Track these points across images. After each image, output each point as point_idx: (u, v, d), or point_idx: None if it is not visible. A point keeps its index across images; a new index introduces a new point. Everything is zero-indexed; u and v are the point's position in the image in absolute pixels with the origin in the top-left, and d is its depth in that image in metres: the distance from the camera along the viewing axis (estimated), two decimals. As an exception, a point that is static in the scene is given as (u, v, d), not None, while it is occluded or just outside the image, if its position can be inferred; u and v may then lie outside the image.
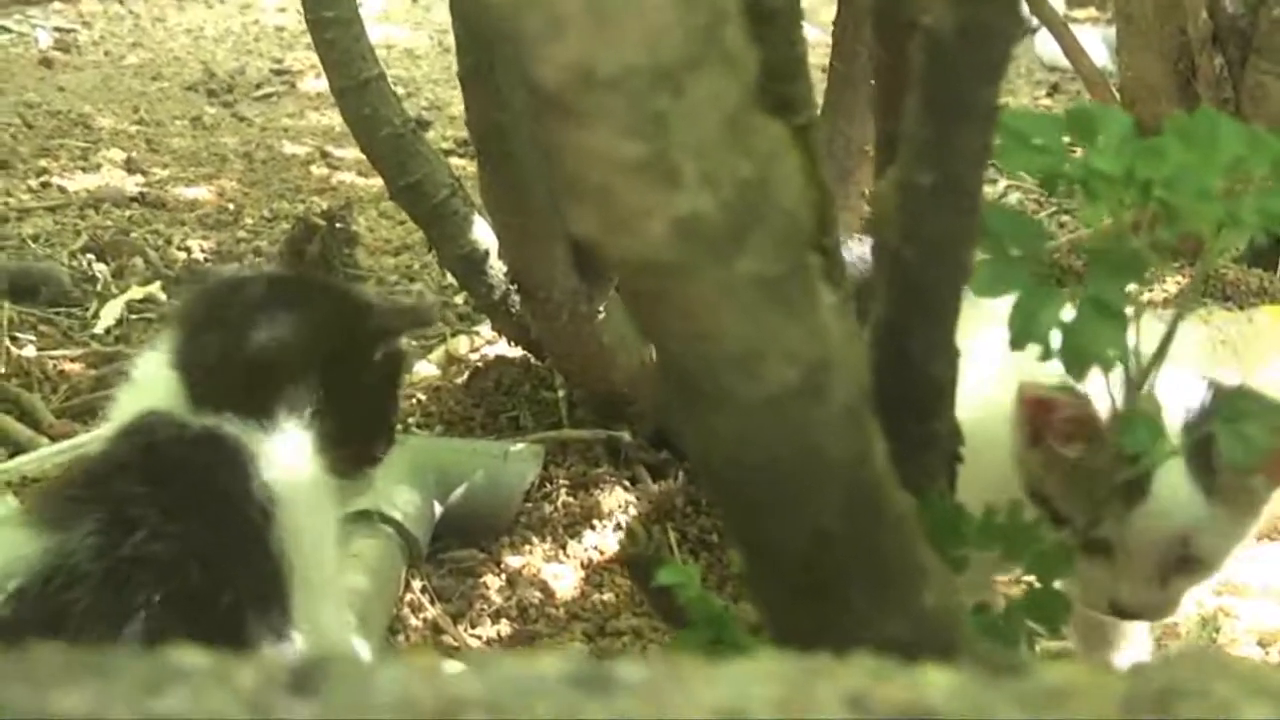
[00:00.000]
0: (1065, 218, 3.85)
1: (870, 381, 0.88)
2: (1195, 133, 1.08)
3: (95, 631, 1.45)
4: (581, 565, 2.40)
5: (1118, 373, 1.09)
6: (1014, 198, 4.04)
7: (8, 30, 5.85)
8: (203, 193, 4.09)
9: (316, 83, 5.05)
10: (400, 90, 3.98)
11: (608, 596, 2.33)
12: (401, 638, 2.21)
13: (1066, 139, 1.11)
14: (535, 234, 2.40)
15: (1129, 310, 1.06)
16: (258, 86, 5.33)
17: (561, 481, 2.55)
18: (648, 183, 0.70)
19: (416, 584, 2.30)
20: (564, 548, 2.43)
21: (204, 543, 1.52)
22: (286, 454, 1.61)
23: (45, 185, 4.08)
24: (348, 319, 1.69)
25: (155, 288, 3.37)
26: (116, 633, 1.45)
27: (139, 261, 3.53)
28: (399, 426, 1.91)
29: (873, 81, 1.26)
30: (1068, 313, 1.05)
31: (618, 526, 2.46)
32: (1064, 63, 4.22)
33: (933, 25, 0.90)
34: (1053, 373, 1.16)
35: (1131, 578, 1.70)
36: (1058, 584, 1.23)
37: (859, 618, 0.96)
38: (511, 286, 2.52)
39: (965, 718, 0.58)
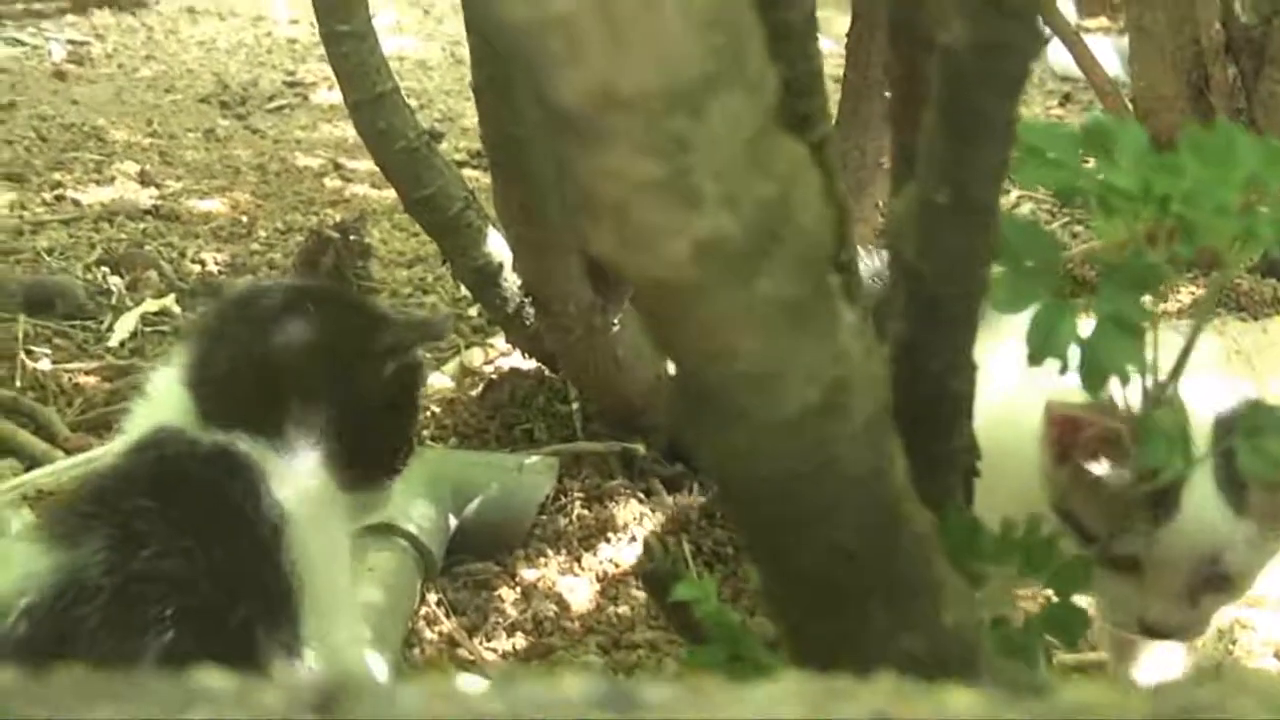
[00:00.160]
0: (1078, 228, 3.84)
1: (890, 399, 0.88)
2: (1211, 147, 1.07)
3: (106, 647, 1.45)
4: (597, 578, 2.40)
5: (1140, 387, 1.09)
6: (1027, 208, 4.04)
7: (21, 43, 5.87)
8: (216, 205, 4.10)
9: (329, 95, 5.06)
10: (413, 102, 3.99)
11: (623, 610, 2.32)
12: (417, 651, 2.21)
13: (1082, 152, 1.11)
14: (550, 246, 2.40)
15: (1145, 324, 1.06)
16: (271, 99, 5.34)
17: (576, 494, 2.55)
18: (667, 203, 0.70)
19: (432, 597, 2.30)
20: (579, 561, 2.43)
21: (214, 559, 1.52)
22: (297, 471, 1.61)
23: (59, 198, 4.09)
24: (358, 335, 1.68)
25: (169, 300, 3.38)
26: (127, 649, 1.45)
27: (153, 274, 3.53)
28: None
29: (887, 94, 1.26)
30: (1085, 325, 1.05)
31: (633, 539, 2.46)
32: (1076, 73, 4.22)
33: (950, 42, 0.90)
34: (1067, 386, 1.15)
35: (1160, 596, 1.68)
36: (1080, 600, 1.22)
37: (877, 634, 0.96)
38: (526, 299, 2.53)
39: (988, 739, 0.58)
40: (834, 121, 1.78)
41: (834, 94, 2.35)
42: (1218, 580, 1.68)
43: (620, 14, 0.65)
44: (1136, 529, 1.61)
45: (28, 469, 2.60)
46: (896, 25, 1.20)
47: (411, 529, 2.27)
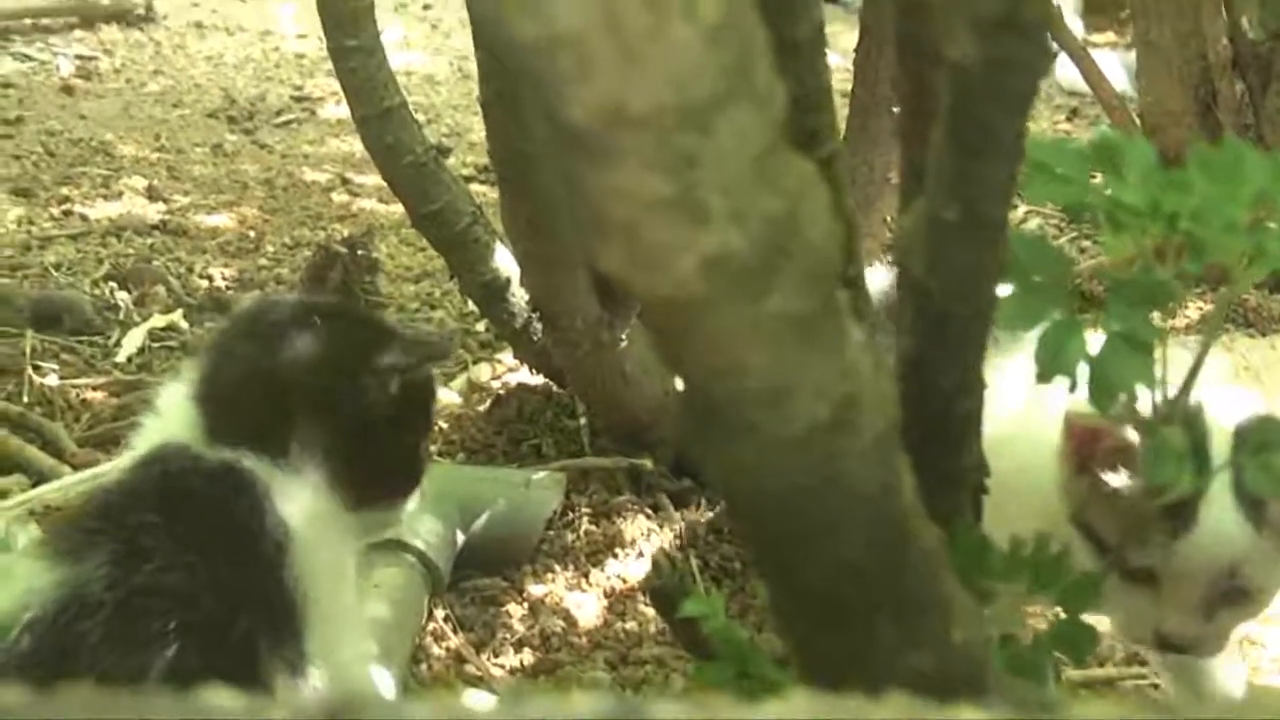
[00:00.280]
0: (1087, 243, 3.84)
1: (899, 415, 0.88)
2: (1219, 163, 1.07)
3: (109, 662, 1.45)
4: (604, 594, 2.40)
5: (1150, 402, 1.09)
6: (1034, 223, 4.03)
7: (29, 58, 5.87)
8: (224, 220, 4.10)
9: (337, 109, 5.06)
10: (420, 117, 3.99)
11: (630, 625, 2.32)
12: (424, 667, 2.21)
13: (1090, 168, 1.11)
14: (557, 261, 2.40)
15: (1154, 340, 1.06)
16: (278, 113, 5.34)
17: (584, 510, 2.55)
18: (676, 220, 0.70)
19: (439, 613, 2.30)
20: (586, 576, 2.43)
21: (218, 574, 1.52)
22: (302, 489, 1.61)
23: (67, 213, 4.09)
24: (361, 355, 1.67)
25: (177, 316, 3.38)
26: (130, 663, 1.45)
27: (161, 290, 3.53)
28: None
29: (895, 109, 1.26)
30: (1094, 339, 1.05)
31: (640, 555, 2.46)
32: (1083, 87, 4.21)
33: (959, 58, 0.90)
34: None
35: (1177, 608, 1.66)
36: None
37: (886, 650, 0.96)
38: (533, 314, 2.53)
39: (998, 758, 0.58)
40: (842, 138, 1.78)
41: (842, 110, 2.35)
42: (1235, 594, 1.67)
43: (629, 32, 0.65)
44: (1153, 541, 1.60)
45: (35, 484, 2.60)
46: (904, 41, 1.20)
47: (419, 545, 2.27)
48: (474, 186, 3.89)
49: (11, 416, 2.85)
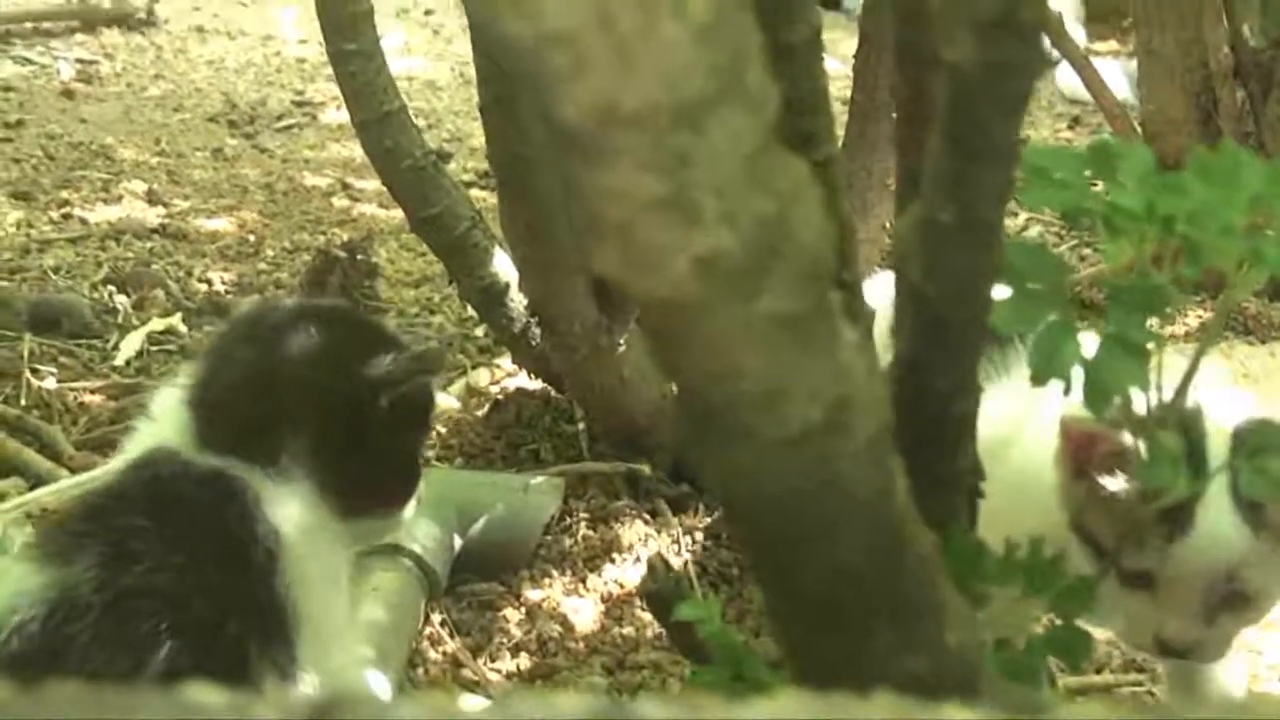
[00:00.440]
0: (1087, 250, 3.84)
1: (892, 418, 0.88)
2: (1217, 168, 1.07)
3: (97, 664, 1.45)
4: (601, 599, 2.40)
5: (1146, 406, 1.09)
6: (1035, 230, 4.03)
7: (30, 62, 5.87)
8: (224, 224, 4.10)
9: (337, 114, 5.06)
10: (421, 122, 3.98)
11: (628, 630, 2.32)
12: (421, 671, 2.21)
13: (1088, 174, 1.11)
14: (556, 267, 2.40)
15: (1150, 345, 1.06)
16: (279, 118, 5.33)
17: (581, 515, 2.55)
18: (669, 220, 0.70)
19: (436, 617, 2.30)
20: (584, 581, 2.43)
21: (206, 577, 1.52)
22: (292, 497, 1.61)
23: (67, 217, 4.08)
24: (351, 365, 1.65)
25: (176, 319, 3.37)
26: (118, 665, 1.45)
27: (160, 293, 3.53)
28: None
29: (894, 115, 1.26)
30: (1089, 343, 1.05)
31: (637, 560, 2.46)
32: (1085, 95, 4.22)
33: (955, 61, 0.90)
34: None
35: (1176, 613, 1.65)
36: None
37: (880, 654, 0.96)
38: (532, 319, 2.53)
39: (988, 759, 0.57)
40: (841, 143, 1.78)
41: (842, 116, 2.35)
42: (1235, 599, 1.65)
43: (622, 30, 0.65)
44: (1150, 544, 1.60)
45: (32, 487, 2.60)
46: (903, 47, 1.20)
47: (416, 549, 2.27)
48: (475, 192, 3.89)
49: (9, 419, 2.84)
